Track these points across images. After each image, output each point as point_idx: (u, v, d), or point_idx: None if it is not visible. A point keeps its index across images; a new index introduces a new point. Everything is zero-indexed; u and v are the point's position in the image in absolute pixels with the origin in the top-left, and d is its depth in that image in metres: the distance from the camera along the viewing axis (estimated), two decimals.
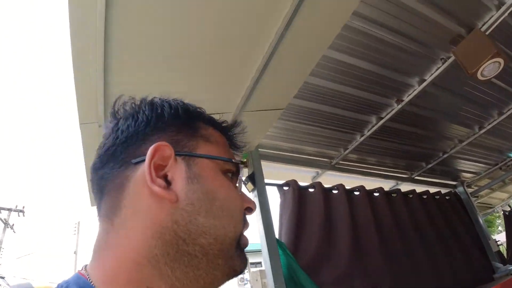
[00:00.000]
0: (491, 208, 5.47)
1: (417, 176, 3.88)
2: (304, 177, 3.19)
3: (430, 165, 3.72)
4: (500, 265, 3.57)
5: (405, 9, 1.95)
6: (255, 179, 2.45)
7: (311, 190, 2.76)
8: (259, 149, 2.53)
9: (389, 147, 3.23)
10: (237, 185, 0.51)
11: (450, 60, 2.27)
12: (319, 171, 3.17)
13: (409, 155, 3.53)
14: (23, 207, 16.63)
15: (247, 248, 0.50)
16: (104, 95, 1.45)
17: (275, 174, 2.86)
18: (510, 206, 4.44)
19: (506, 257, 4.03)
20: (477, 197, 4.54)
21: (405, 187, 3.74)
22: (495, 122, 3.14)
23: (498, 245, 4.03)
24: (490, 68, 2.08)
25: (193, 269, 0.42)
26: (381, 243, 2.85)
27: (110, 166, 0.46)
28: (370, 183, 3.60)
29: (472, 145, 3.55)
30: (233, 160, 0.51)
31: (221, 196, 0.46)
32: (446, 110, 2.92)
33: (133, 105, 0.51)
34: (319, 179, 3.22)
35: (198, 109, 0.54)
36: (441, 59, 2.30)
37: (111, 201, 0.45)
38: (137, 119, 0.48)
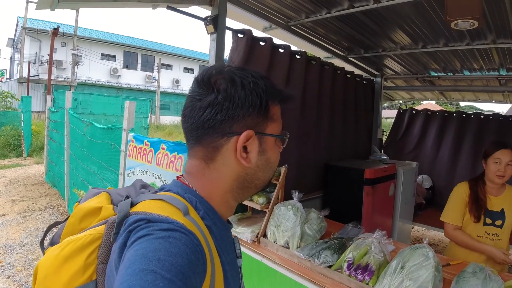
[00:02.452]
0: (392, 100, 6.31)
1: (351, 57, 4.16)
2: (256, 25, 3.17)
3: (366, 54, 3.99)
4: (377, 150, 4.40)
5: None
6: (218, 23, 2.39)
7: (262, 43, 2.80)
8: None
9: (345, 30, 3.30)
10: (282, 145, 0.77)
11: None
12: (273, 25, 3.16)
13: (356, 41, 3.69)
14: None
15: None
16: None
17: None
18: (406, 107, 5.20)
19: (383, 143, 4.96)
20: (387, 88, 5.15)
21: (336, 61, 4.02)
22: (436, 49, 3.40)
23: (383, 134, 4.88)
24: (464, 24, 2.18)
25: (248, 191, 0.75)
26: (302, 108, 3.25)
27: (209, 133, 0.67)
28: (310, 49, 3.78)
29: (408, 55, 3.86)
30: (285, 137, 0.76)
31: (273, 160, 0.74)
32: (407, 24, 3.00)
33: (229, 85, 0.66)
34: (270, 33, 3.24)
35: (272, 89, 0.71)
36: None
37: (208, 152, 0.69)
38: (233, 103, 0.65)
